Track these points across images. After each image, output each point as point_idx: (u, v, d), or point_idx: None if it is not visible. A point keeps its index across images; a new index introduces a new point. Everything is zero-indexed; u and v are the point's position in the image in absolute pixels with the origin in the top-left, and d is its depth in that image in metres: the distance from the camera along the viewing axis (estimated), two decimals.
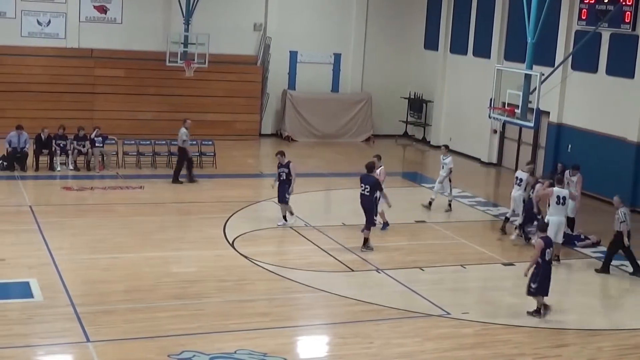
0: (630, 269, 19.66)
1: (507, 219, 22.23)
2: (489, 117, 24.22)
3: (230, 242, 20.05)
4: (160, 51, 31.60)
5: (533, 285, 16.12)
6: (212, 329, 14.78)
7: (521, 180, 21.91)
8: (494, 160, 32.29)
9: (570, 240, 21.32)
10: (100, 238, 19.81)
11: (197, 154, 28.50)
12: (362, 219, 20.11)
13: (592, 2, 26.91)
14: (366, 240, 19.89)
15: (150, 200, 23.25)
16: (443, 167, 24.10)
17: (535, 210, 20.98)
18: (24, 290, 16.12)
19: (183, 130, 25.91)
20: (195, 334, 14.38)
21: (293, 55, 35.19)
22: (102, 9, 32.45)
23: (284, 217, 21.51)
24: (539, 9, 21.87)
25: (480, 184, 29.47)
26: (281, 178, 21.28)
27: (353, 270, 18.56)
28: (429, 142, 35.57)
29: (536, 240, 16.50)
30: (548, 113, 28.53)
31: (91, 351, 13.58)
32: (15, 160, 26.09)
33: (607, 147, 26.67)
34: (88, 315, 14.90)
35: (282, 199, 21.40)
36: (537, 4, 21.84)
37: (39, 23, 31.76)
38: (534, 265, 16.07)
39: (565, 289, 18.87)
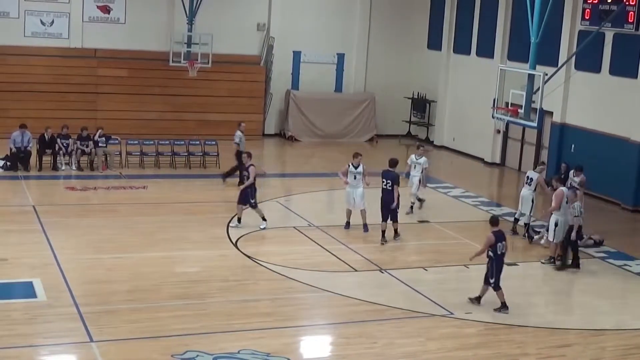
0: (632, 268, 19.68)
1: (516, 220, 22.22)
2: (492, 117, 24.18)
3: (234, 242, 20.06)
4: (163, 51, 31.63)
5: (491, 280, 16.44)
6: (216, 328, 14.78)
7: (531, 179, 21.88)
8: (497, 160, 32.28)
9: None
10: (104, 238, 19.82)
11: (201, 153, 28.52)
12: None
13: (596, 2, 26.88)
14: (396, 231, 20.88)
15: (153, 200, 23.27)
16: (415, 167, 23.78)
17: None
18: (27, 290, 16.13)
19: (238, 132, 25.78)
20: (199, 334, 14.39)
21: (296, 55, 35.20)
22: (106, 9, 32.47)
23: (238, 220, 21.12)
24: (542, 9, 21.84)
25: (483, 184, 29.47)
26: (243, 181, 21.09)
27: (356, 270, 18.56)
28: (433, 142, 35.56)
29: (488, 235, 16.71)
30: (551, 113, 28.50)
31: (94, 351, 13.59)
32: (18, 160, 26.12)
33: (610, 147, 26.65)
34: (91, 315, 14.90)
35: (243, 201, 21.05)
36: (541, 4, 21.80)
37: (43, 23, 31.78)
38: (490, 261, 16.38)
39: (569, 289, 18.87)
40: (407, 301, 16.70)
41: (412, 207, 23.60)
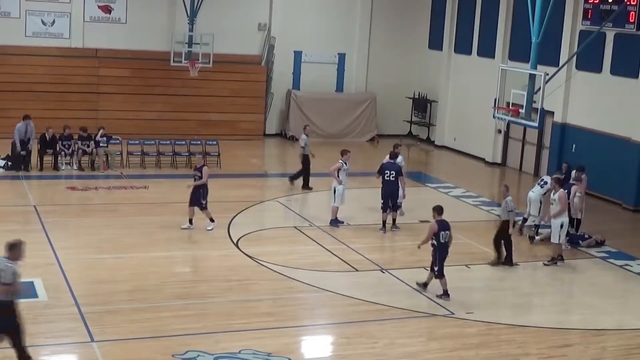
0: (633, 268, 19.69)
1: (524, 220, 22.21)
2: (494, 117, 24.21)
3: (235, 242, 20.06)
4: (164, 51, 31.64)
5: (436, 268, 16.81)
6: (217, 328, 14.79)
7: (545, 182, 21.94)
8: (499, 160, 32.27)
9: (574, 240, 21.31)
10: (105, 238, 19.83)
11: (202, 154, 28.48)
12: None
13: (597, 2, 26.88)
14: (394, 221, 21.82)
15: (154, 200, 23.27)
16: None
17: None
18: (28, 290, 16.07)
19: (303, 136, 25.69)
20: (200, 334, 14.39)
21: (297, 55, 35.20)
22: (107, 9, 32.47)
23: (190, 221, 20.83)
24: (544, 9, 21.84)
25: (484, 184, 29.46)
26: (195, 181, 20.98)
27: (357, 270, 18.56)
28: (434, 142, 35.56)
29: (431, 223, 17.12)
30: (552, 113, 28.51)
31: (95, 351, 13.60)
32: (21, 161, 26.03)
33: (611, 147, 26.64)
34: (92, 315, 14.91)
35: (195, 203, 20.74)
36: (542, 3, 21.80)
37: (44, 23, 31.79)
38: (434, 250, 16.80)
39: (570, 289, 18.88)
40: (408, 301, 16.70)
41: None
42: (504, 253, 19.48)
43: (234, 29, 33.53)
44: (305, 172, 25.60)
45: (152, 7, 32.89)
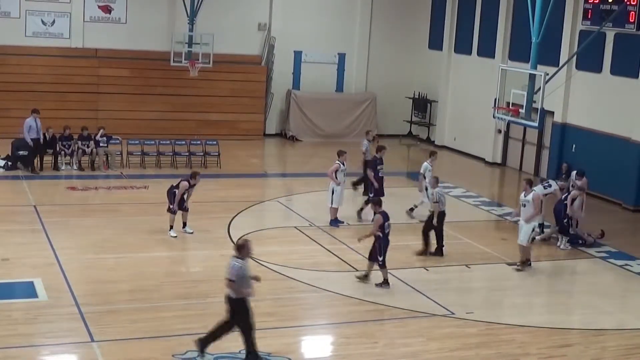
0: (633, 268, 19.71)
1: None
2: (494, 116, 24.22)
3: (235, 242, 20.02)
4: (164, 51, 31.64)
5: (380, 258, 17.18)
6: None
7: (549, 185, 21.95)
8: (499, 160, 32.28)
9: (574, 240, 21.31)
10: (105, 238, 19.83)
11: (202, 153, 28.54)
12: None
13: (597, 2, 26.88)
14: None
15: (154, 200, 23.25)
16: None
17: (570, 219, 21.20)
18: (28, 290, 16.15)
19: (365, 141, 25.38)
20: (200, 334, 14.36)
21: (297, 55, 35.20)
22: (107, 9, 32.48)
23: (171, 227, 20.49)
24: (544, 9, 21.84)
25: (484, 184, 29.47)
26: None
27: (358, 270, 18.55)
28: (434, 142, 35.56)
29: (375, 216, 17.43)
30: (552, 113, 28.51)
31: (95, 351, 13.60)
32: (24, 160, 25.99)
33: (611, 147, 26.64)
34: (92, 315, 14.92)
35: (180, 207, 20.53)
36: (542, 3, 21.81)
37: (44, 23, 31.79)
38: (378, 240, 17.10)
39: (570, 288, 18.88)
40: (408, 301, 16.70)
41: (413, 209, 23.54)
42: (433, 244, 19.78)
43: (234, 29, 33.54)
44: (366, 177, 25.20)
45: (152, 7, 32.89)
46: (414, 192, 24.42)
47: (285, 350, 14.02)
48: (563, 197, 21.39)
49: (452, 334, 15.16)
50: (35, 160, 26.36)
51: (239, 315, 13.23)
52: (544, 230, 21.83)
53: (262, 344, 14.02)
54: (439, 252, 19.77)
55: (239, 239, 13.13)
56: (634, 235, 23.49)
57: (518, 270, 19.11)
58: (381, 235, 17.14)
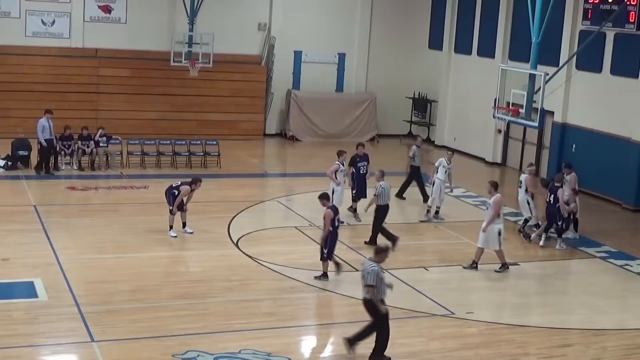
0: (633, 268, 19.75)
1: (526, 221, 22.21)
2: (494, 116, 24.22)
3: (235, 242, 20.06)
4: (164, 51, 31.64)
5: (325, 251, 17.43)
6: (217, 328, 14.79)
7: (521, 182, 22.07)
8: (499, 160, 32.28)
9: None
10: (105, 238, 19.83)
11: (202, 153, 28.54)
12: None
13: (597, 1, 26.87)
14: (355, 210, 22.66)
15: (154, 200, 23.23)
16: (446, 172, 23.69)
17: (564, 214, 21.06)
18: (28, 290, 16.15)
19: (414, 147, 25.13)
20: (200, 334, 14.40)
21: (297, 55, 35.20)
22: (107, 9, 32.47)
23: (171, 227, 20.51)
24: (544, 9, 21.85)
25: (484, 184, 29.28)
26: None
27: (358, 270, 18.51)
28: (434, 141, 35.56)
29: (325, 210, 17.66)
30: (552, 113, 28.50)
31: (96, 351, 13.60)
32: (41, 161, 26.03)
33: (611, 147, 26.64)
34: (92, 315, 14.92)
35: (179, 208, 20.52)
36: (542, 3, 21.81)
37: (44, 23, 31.79)
38: (325, 235, 17.45)
39: (570, 288, 18.87)
40: (408, 301, 16.68)
41: (429, 212, 23.46)
42: (394, 235, 20.06)
43: (234, 29, 33.53)
44: (407, 183, 25.01)
45: (152, 7, 32.89)
46: (414, 192, 24.43)
47: (286, 350, 14.02)
48: (548, 199, 21.28)
49: (452, 334, 15.16)
50: (34, 160, 26.36)
51: (372, 314, 13.64)
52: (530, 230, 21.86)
53: (262, 344, 14.06)
54: (373, 242, 19.79)
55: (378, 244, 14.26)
56: (634, 235, 23.49)
57: (497, 272, 18.92)
58: (331, 229, 17.36)
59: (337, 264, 17.77)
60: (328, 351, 14.68)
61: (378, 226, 20.15)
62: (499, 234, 18.76)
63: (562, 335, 15.50)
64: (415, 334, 15.11)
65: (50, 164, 26.10)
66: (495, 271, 18.91)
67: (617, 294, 18.57)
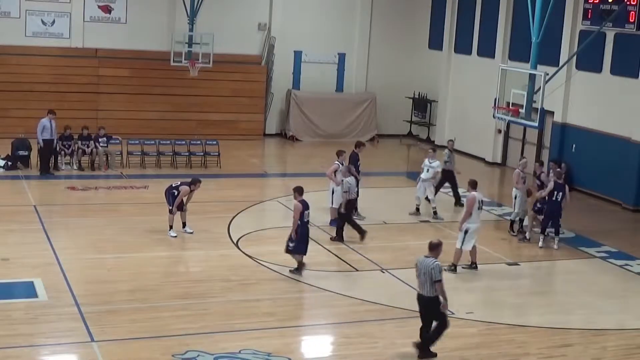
0: (633, 268, 19.76)
1: (521, 221, 22.21)
2: (494, 116, 24.22)
3: (235, 242, 20.05)
4: (164, 51, 31.64)
5: (291, 244, 17.70)
6: (217, 328, 14.80)
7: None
8: (499, 160, 32.29)
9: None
10: (105, 238, 19.84)
11: (202, 153, 28.54)
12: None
13: (597, 1, 26.87)
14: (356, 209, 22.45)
15: (154, 200, 23.23)
16: (428, 171, 23.67)
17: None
18: (28, 290, 16.15)
19: (446, 150, 25.02)
20: (200, 334, 14.40)
21: (297, 55, 35.20)
22: (107, 9, 32.48)
23: (170, 227, 20.57)
24: (544, 9, 21.86)
25: (484, 184, 29.34)
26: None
27: (357, 270, 18.57)
28: (434, 141, 35.55)
29: (295, 203, 17.93)
30: (552, 113, 28.51)
31: (95, 351, 13.60)
32: (41, 161, 26.03)
33: (611, 147, 26.64)
34: (92, 315, 14.92)
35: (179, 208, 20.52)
36: (542, 3, 21.82)
37: (44, 23, 31.79)
38: (294, 228, 17.65)
39: (570, 288, 18.86)
40: (408, 301, 16.62)
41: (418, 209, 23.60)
42: (362, 230, 20.55)
43: (234, 29, 33.54)
44: (439, 185, 24.69)
45: (152, 7, 32.89)
46: (413, 191, 24.41)
47: (285, 350, 14.02)
48: (539, 202, 21.31)
49: (452, 334, 15.12)
50: (34, 160, 26.40)
51: (433, 311, 13.84)
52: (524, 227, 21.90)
53: (262, 344, 14.06)
54: (340, 238, 20.44)
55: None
56: (634, 235, 23.49)
57: (463, 267, 18.87)
58: (300, 222, 17.59)
59: (300, 263, 17.87)
60: (328, 351, 14.68)
61: (347, 219, 20.67)
62: (465, 232, 18.59)
63: (562, 335, 15.50)
64: (415, 334, 15.07)
65: (50, 164, 26.08)
66: (462, 267, 18.84)
67: (617, 294, 18.56)
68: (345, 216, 20.69)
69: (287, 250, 17.82)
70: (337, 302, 16.65)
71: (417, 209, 23.58)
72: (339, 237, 20.54)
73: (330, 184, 21.93)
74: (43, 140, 25.76)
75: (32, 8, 31.61)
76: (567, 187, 21.13)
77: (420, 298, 13.88)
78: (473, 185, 19.14)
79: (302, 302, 16.77)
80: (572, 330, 15.82)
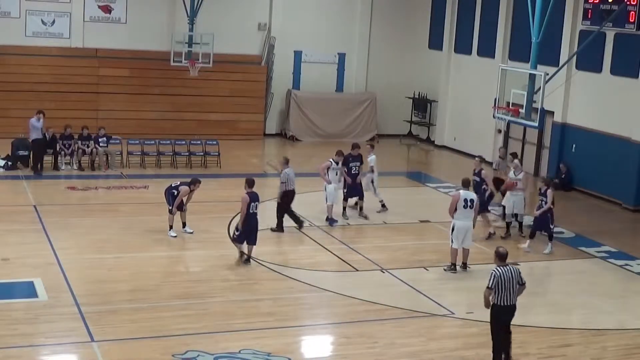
0: (633, 268, 19.77)
1: (520, 223, 22.21)
2: (494, 116, 24.21)
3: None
4: (164, 51, 31.64)
5: (236, 233, 18.28)
6: (217, 328, 14.79)
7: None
8: None
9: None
10: (105, 238, 19.83)
11: (202, 153, 28.54)
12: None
13: (597, 1, 26.87)
14: (344, 209, 22.85)
15: (154, 199, 23.23)
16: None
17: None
18: (28, 290, 16.15)
19: (498, 159, 24.74)
20: (200, 334, 14.40)
21: (297, 54, 35.20)
22: (107, 9, 32.47)
23: (170, 227, 20.54)
24: (544, 9, 21.85)
25: None
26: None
27: (357, 270, 18.56)
28: (434, 141, 35.56)
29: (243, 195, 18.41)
30: (552, 113, 28.50)
31: (95, 351, 13.60)
32: (33, 161, 26.02)
33: (611, 146, 26.63)
34: (92, 315, 14.92)
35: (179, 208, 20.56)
36: (542, 3, 21.82)
37: (44, 23, 31.78)
38: (242, 218, 18.13)
39: (570, 288, 18.84)
40: (408, 301, 16.70)
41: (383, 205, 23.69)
42: (300, 219, 21.27)
43: (234, 29, 33.53)
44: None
45: (152, 7, 32.89)
46: (415, 191, 24.46)
47: (285, 350, 14.02)
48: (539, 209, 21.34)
49: (452, 334, 15.16)
50: (44, 160, 26.39)
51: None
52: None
53: (262, 344, 14.06)
54: (280, 228, 21.01)
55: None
56: (634, 235, 23.50)
57: (445, 270, 18.77)
58: (247, 213, 18.03)
59: (242, 253, 18.35)
60: (328, 351, 14.68)
61: (284, 210, 21.06)
62: (452, 230, 18.61)
63: (562, 335, 15.50)
64: (415, 334, 15.11)
65: (39, 164, 26.08)
66: (444, 269, 18.78)
67: (617, 294, 18.55)
68: (282, 207, 21.06)
69: (232, 239, 18.57)
70: (337, 302, 16.65)
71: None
72: (278, 228, 21.04)
73: (324, 182, 22.07)
74: (32, 140, 25.86)
75: (32, 8, 31.61)
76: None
77: (514, 308, 13.52)
78: (464, 183, 19.27)
79: (302, 302, 16.76)
80: (572, 330, 15.83)
